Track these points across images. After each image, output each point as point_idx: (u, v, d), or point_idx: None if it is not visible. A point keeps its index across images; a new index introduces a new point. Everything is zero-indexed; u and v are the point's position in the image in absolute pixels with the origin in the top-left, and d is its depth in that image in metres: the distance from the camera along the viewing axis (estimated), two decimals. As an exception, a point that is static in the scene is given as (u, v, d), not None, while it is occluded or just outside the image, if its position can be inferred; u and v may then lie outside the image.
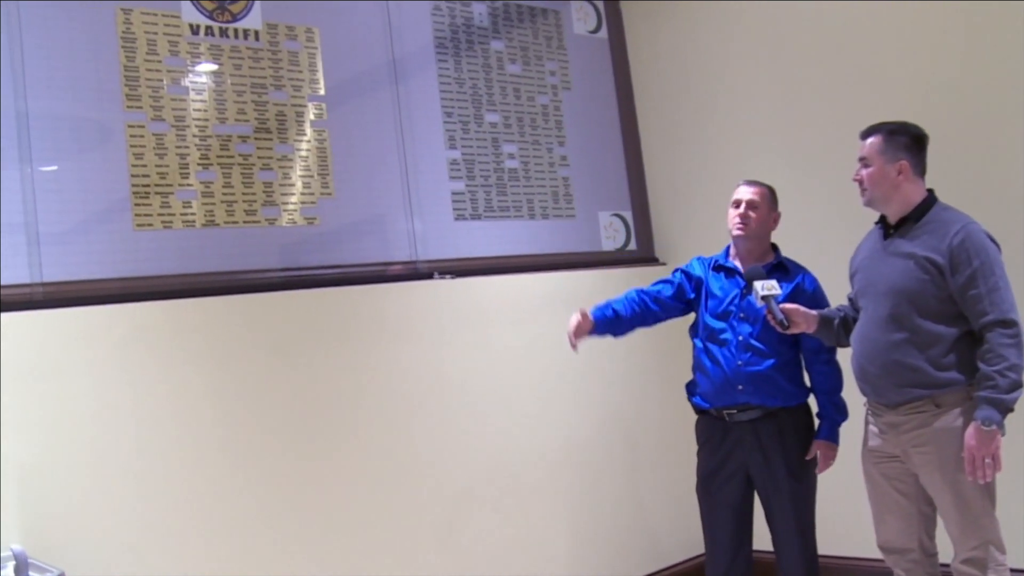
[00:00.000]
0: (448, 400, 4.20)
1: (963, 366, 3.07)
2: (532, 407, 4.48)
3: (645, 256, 5.19)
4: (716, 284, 3.73)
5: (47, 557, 2.97)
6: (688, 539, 4.59)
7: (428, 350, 4.17)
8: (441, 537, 4.08)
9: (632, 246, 5.19)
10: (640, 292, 3.77)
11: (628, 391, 4.85)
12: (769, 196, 3.71)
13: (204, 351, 3.55)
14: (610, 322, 3.68)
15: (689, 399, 3.81)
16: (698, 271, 3.79)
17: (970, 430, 3.00)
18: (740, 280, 3.67)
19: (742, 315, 3.63)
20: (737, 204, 3.68)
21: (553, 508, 4.48)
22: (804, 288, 3.62)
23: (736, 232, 3.66)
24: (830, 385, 3.64)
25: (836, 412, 3.63)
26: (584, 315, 3.62)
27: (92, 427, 3.27)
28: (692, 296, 3.78)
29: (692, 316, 3.82)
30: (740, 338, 3.61)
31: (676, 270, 3.86)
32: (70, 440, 3.22)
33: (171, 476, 3.42)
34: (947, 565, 3.24)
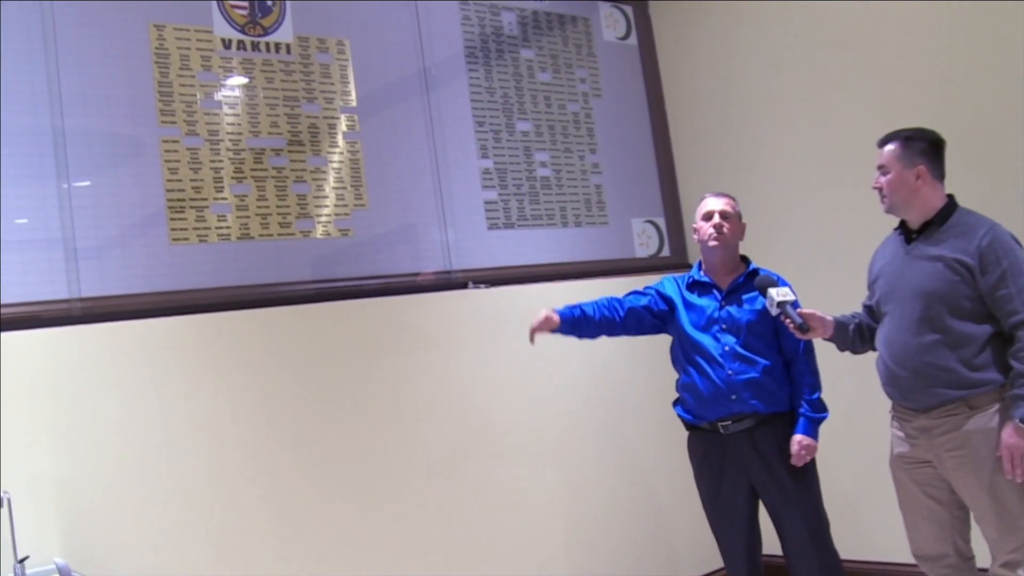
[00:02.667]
0: (486, 409, 4.19)
1: (996, 366, 3.05)
2: (566, 414, 4.47)
3: (679, 262, 5.16)
4: (693, 300, 3.72)
5: (89, 569, 2.99)
6: (705, 554, 4.54)
7: (465, 359, 4.17)
8: (478, 550, 4.07)
9: (665, 252, 5.16)
10: (612, 299, 3.77)
11: (656, 401, 4.81)
12: (738, 207, 3.73)
13: (241, 364, 3.56)
14: (576, 321, 3.67)
15: (680, 416, 3.78)
16: (670, 290, 3.79)
17: (1007, 429, 2.97)
18: (717, 294, 3.68)
19: (724, 327, 3.63)
20: (709, 216, 3.68)
21: (570, 518, 4.45)
22: None
23: (712, 243, 3.66)
24: (807, 382, 3.60)
25: (811, 409, 3.58)
26: (550, 313, 3.62)
27: (130, 441, 3.28)
28: (664, 310, 3.75)
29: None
30: (726, 348, 3.60)
31: (648, 287, 3.84)
32: (109, 454, 3.24)
33: (211, 490, 3.42)
34: (985, 570, 3.20)
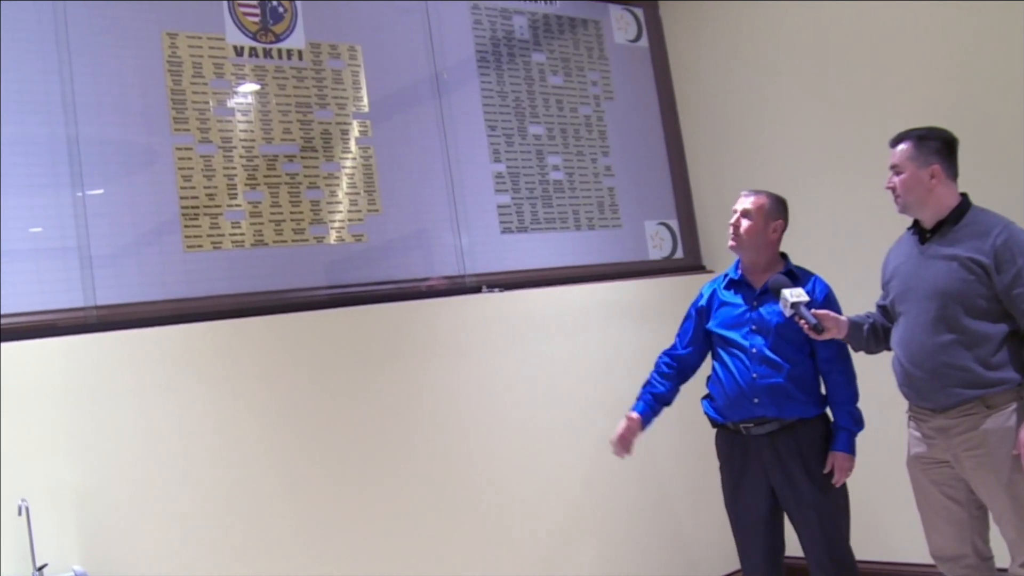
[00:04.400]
0: (501, 412, 4.19)
1: (1013, 364, 3.04)
2: (581, 418, 4.46)
3: (692, 264, 5.16)
4: (727, 298, 3.70)
5: (108, 578, 3.00)
6: (723, 554, 4.54)
7: (478, 364, 4.17)
8: (493, 555, 4.07)
9: (679, 254, 5.15)
10: (666, 356, 3.84)
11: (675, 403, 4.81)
12: (768, 205, 3.63)
13: (256, 371, 3.56)
14: (654, 409, 3.77)
15: (705, 413, 3.77)
16: (706, 297, 3.79)
17: None
18: (751, 293, 3.64)
19: (754, 327, 3.59)
20: (734, 215, 3.66)
21: (588, 522, 4.45)
22: (815, 297, 3.53)
23: (729, 244, 3.66)
24: (845, 395, 3.57)
25: (852, 423, 3.55)
26: (631, 419, 3.70)
27: (147, 448, 3.29)
28: (706, 324, 3.79)
29: None
30: (754, 350, 3.57)
31: (691, 307, 3.86)
32: (126, 461, 3.24)
33: (228, 496, 3.43)
34: (1004, 570, 3.19)
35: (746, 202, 3.64)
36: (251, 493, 3.48)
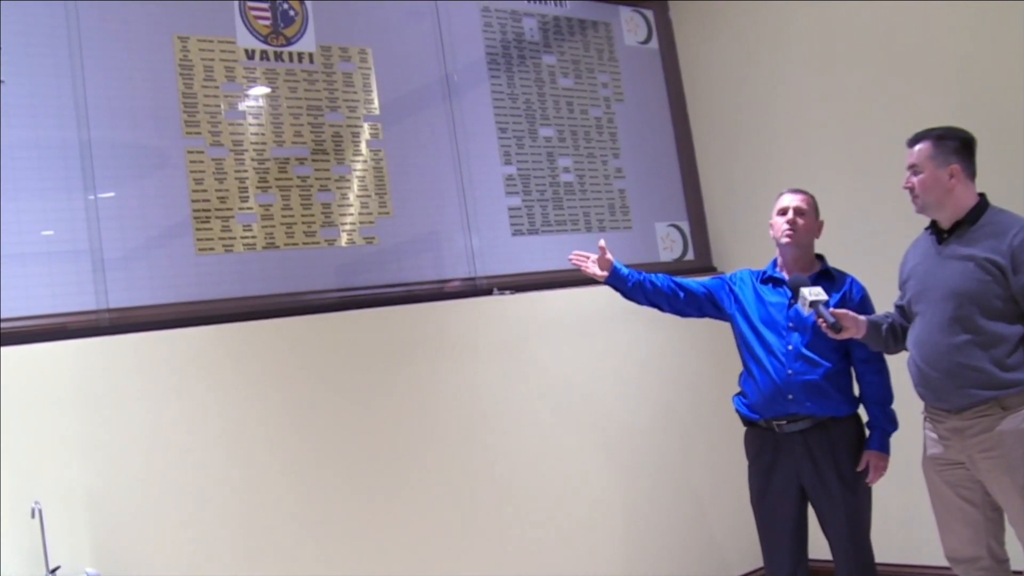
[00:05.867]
0: (512, 415, 4.18)
1: None
2: (595, 419, 4.46)
3: (703, 266, 5.15)
4: (765, 294, 3.70)
5: (120, 580, 3.01)
6: (750, 550, 4.53)
7: (490, 366, 4.16)
8: (505, 557, 4.06)
9: (690, 256, 5.15)
10: (671, 278, 3.81)
11: (686, 398, 4.81)
12: (814, 204, 3.69)
13: (267, 373, 3.57)
14: (628, 277, 3.73)
15: (737, 410, 3.77)
16: (743, 282, 3.78)
17: None
18: (788, 290, 3.63)
19: (791, 325, 3.60)
20: (784, 212, 3.65)
21: (611, 521, 4.44)
22: (851, 297, 3.58)
23: (785, 240, 3.64)
24: (880, 395, 3.58)
25: (887, 422, 3.57)
26: (605, 250, 3.70)
27: (159, 450, 3.29)
28: (728, 300, 3.78)
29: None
30: (790, 347, 3.57)
31: (719, 277, 3.87)
32: (138, 463, 3.25)
33: (239, 498, 3.43)
34: (1019, 572, 3.19)
35: (796, 199, 3.66)
36: (263, 496, 3.48)
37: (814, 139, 4.74)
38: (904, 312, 3.36)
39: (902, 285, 3.36)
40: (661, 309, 3.82)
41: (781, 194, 3.72)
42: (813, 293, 3.30)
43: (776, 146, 4.91)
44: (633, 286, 3.73)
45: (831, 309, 3.30)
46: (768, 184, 4.80)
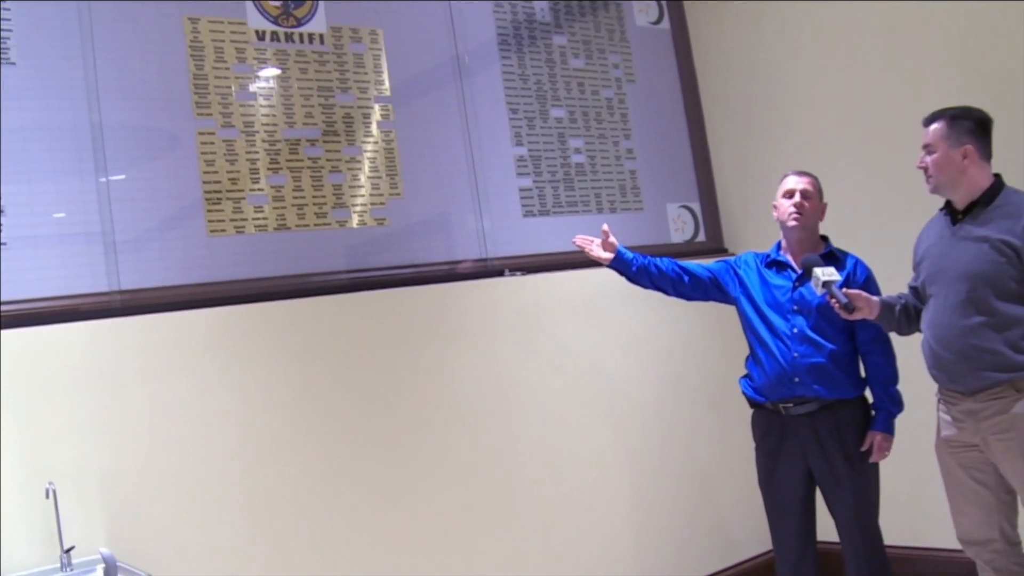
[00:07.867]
0: (523, 396, 4.18)
1: None
2: (605, 400, 4.46)
3: (714, 247, 5.14)
4: (770, 278, 3.70)
5: (133, 559, 3.02)
6: (760, 532, 4.53)
7: (501, 346, 4.16)
8: (514, 542, 4.07)
9: (701, 237, 5.14)
10: (676, 262, 3.80)
11: (695, 377, 4.81)
12: (818, 186, 3.69)
13: (278, 355, 3.57)
14: (636, 259, 3.72)
15: (744, 393, 3.78)
16: (747, 265, 3.78)
17: None
18: (792, 273, 3.64)
19: (796, 308, 3.61)
20: (790, 194, 3.65)
21: (620, 503, 4.45)
22: (856, 278, 3.59)
23: (792, 223, 3.63)
24: (885, 376, 3.59)
25: (891, 403, 3.57)
26: (609, 234, 3.69)
27: (171, 431, 3.31)
28: (733, 283, 3.78)
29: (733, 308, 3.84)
30: (795, 330, 3.58)
31: (724, 260, 3.87)
32: (151, 444, 3.26)
33: (251, 480, 3.45)
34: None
35: (802, 182, 3.66)
36: (273, 475, 3.49)
37: (826, 120, 4.72)
38: (918, 293, 3.34)
39: (916, 266, 3.35)
40: (666, 293, 3.82)
41: (785, 176, 3.72)
42: (826, 273, 3.29)
43: (788, 127, 4.88)
44: (638, 270, 3.72)
45: (844, 290, 3.30)
46: (780, 165, 4.76)
